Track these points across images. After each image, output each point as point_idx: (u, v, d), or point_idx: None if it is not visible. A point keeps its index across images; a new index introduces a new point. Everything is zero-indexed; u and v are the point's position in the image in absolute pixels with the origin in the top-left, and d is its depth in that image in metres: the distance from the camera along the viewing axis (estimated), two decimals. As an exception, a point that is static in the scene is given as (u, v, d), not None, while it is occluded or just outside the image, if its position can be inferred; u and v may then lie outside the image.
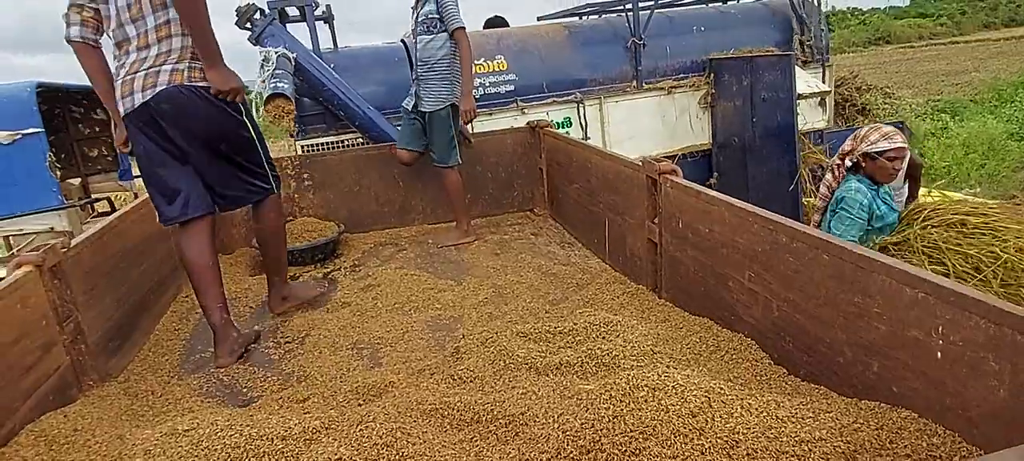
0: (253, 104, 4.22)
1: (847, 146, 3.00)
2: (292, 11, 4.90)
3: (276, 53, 4.28)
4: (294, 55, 4.46)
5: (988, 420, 1.32)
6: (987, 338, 1.29)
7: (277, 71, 4.20)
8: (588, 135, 5.32)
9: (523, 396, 1.64)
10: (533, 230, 4.06)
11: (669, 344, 1.98)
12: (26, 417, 1.79)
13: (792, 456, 1.23)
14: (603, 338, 1.98)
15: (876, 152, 2.86)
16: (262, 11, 4.69)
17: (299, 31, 4.95)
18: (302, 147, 4.93)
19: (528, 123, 4.39)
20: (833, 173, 3.07)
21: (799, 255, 1.78)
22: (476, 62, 4.90)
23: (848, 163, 2.98)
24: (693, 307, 2.41)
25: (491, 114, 5.02)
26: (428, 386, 1.97)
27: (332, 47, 5.23)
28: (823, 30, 5.76)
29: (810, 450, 1.25)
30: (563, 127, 5.26)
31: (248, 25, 4.61)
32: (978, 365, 1.32)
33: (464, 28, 3.57)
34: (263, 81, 4.21)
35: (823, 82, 5.74)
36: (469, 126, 3.83)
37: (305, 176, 4.10)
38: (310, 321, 2.86)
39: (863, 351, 1.61)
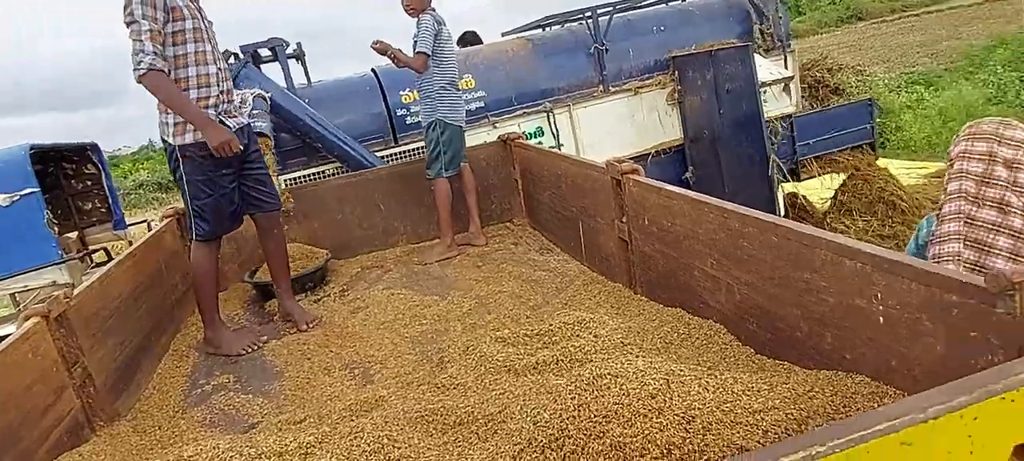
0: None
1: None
2: (264, 52, 5.02)
3: (252, 94, 4.40)
4: (269, 94, 4.57)
5: (929, 376, 1.42)
6: (920, 300, 1.39)
7: (254, 111, 4.31)
8: (561, 142, 5.43)
9: (501, 396, 1.73)
10: (513, 240, 4.16)
11: (640, 336, 2.08)
12: (44, 459, 1.89)
13: (745, 425, 1.32)
14: (577, 336, 2.08)
15: None
16: (236, 55, 4.81)
17: (273, 71, 5.09)
18: (284, 181, 5.03)
19: (499, 137, 4.51)
20: None
21: (751, 239, 1.88)
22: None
23: None
24: (665, 299, 2.51)
25: (466, 131, 5.14)
26: (414, 396, 2.06)
27: (306, 83, 5.34)
28: (781, 18, 5.90)
29: (762, 418, 1.35)
30: (535, 137, 5.38)
31: None
32: (915, 326, 1.42)
33: (422, 54, 3.73)
34: (241, 121, 4.31)
35: (786, 68, 5.87)
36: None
37: (289, 208, 4.20)
38: (304, 347, 2.97)
39: (817, 324, 1.72)
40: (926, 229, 2.19)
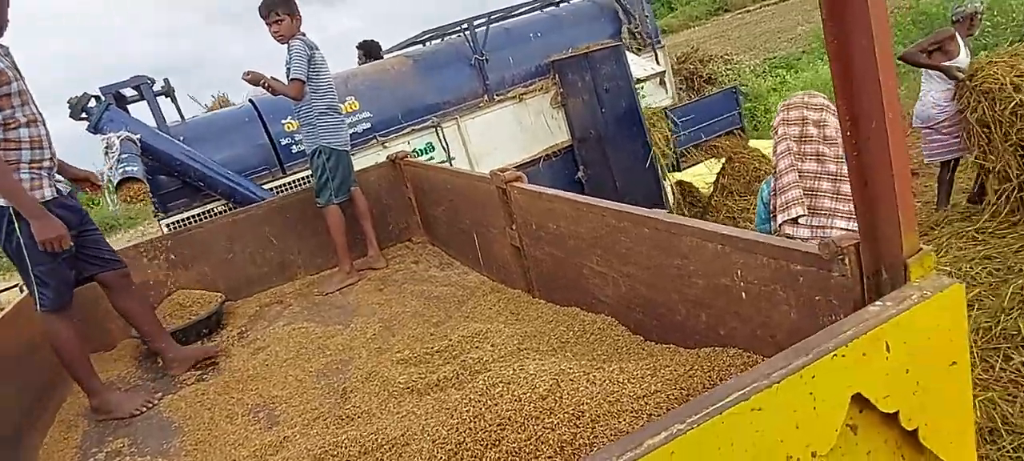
0: (105, 191, 4.07)
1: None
2: (129, 92, 4.75)
3: (118, 137, 4.16)
4: (138, 136, 4.34)
5: (789, 340, 1.55)
6: (772, 273, 1.52)
7: (123, 155, 4.08)
8: (452, 156, 5.47)
9: (403, 419, 1.75)
10: (413, 258, 4.16)
11: (536, 339, 2.15)
12: None
13: (631, 412, 1.40)
14: (476, 348, 2.12)
15: None
16: (97, 98, 4.53)
17: (141, 111, 4.82)
18: (167, 226, 4.78)
19: (388, 157, 4.50)
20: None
21: (627, 233, 1.99)
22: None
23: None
24: (561, 299, 2.60)
25: (354, 154, 5.09)
26: (319, 432, 2.03)
27: (179, 120, 5.10)
28: (648, 16, 6.22)
29: (646, 403, 1.44)
30: (426, 153, 5.39)
31: (83, 115, 4.44)
32: (772, 297, 1.55)
33: (297, 80, 3.65)
34: (110, 168, 4.07)
35: (658, 63, 6.19)
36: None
37: (172, 255, 4.00)
38: (203, 397, 2.85)
39: (692, 305, 1.84)
40: (767, 190, 2.57)
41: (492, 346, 2.05)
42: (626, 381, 1.52)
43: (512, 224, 2.79)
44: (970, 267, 4.14)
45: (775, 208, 2.39)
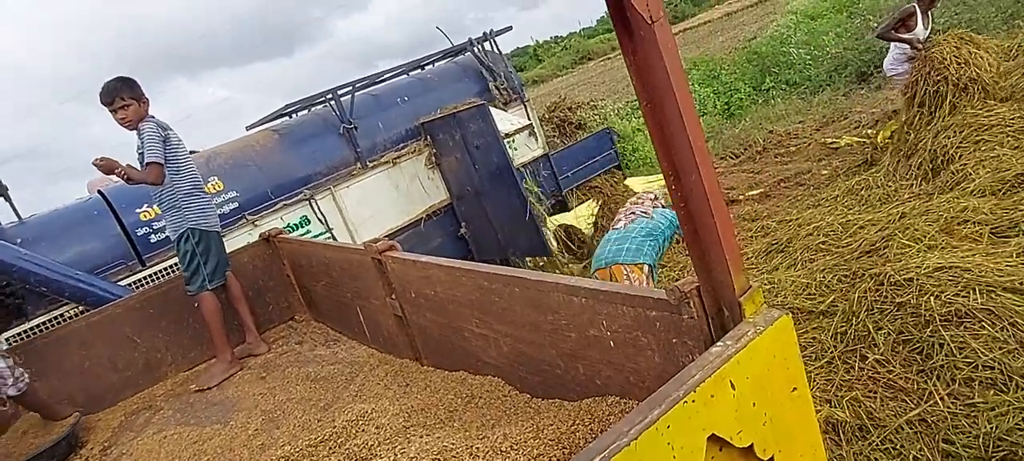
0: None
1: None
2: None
3: (-61, 248, 3.72)
4: (-38, 244, 3.90)
5: (657, 381, 1.63)
6: (633, 320, 1.59)
7: (-56, 268, 3.64)
8: (330, 227, 5.34)
9: (283, 525, 1.64)
10: (297, 339, 3.98)
11: (424, 413, 2.11)
12: None
13: (514, 481, 1.40)
14: (361, 431, 2.05)
15: None
16: None
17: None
18: (8, 340, 4.29)
19: (261, 235, 4.32)
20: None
21: (500, 293, 2.02)
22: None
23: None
24: (448, 364, 2.57)
25: (224, 236, 4.84)
26: (192, 555, 1.87)
27: (16, 220, 4.65)
28: (510, 72, 6.44)
29: (528, 469, 1.44)
30: (302, 227, 5.23)
31: None
32: (636, 343, 1.62)
33: (155, 164, 3.43)
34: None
35: (526, 116, 6.41)
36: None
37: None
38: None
39: (569, 359, 1.88)
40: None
41: (377, 428, 1.99)
42: (509, 448, 1.52)
43: (392, 294, 2.75)
44: (823, 276, 4.53)
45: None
